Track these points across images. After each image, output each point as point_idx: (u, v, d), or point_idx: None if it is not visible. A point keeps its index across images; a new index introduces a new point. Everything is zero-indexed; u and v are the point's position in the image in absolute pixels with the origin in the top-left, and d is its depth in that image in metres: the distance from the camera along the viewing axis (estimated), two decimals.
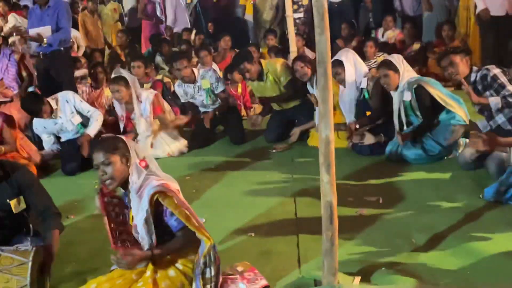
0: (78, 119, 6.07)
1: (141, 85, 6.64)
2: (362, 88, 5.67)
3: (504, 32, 7.48)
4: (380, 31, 9.43)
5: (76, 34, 9.50)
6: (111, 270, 3.12)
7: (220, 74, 7.30)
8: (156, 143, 6.18)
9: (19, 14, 9.38)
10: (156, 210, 2.95)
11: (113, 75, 6.29)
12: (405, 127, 5.21)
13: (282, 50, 8.45)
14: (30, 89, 7.05)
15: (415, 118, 5.17)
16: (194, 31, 10.56)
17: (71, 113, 6.04)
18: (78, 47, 9.58)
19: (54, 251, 3.38)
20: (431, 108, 5.07)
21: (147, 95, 6.18)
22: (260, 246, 3.77)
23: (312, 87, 6.09)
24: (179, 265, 3.00)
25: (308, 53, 8.38)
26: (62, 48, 6.77)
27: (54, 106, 5.95)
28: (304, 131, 6.25)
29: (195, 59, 8.25)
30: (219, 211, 4.48)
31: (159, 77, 8.08)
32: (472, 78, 4.59)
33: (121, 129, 6.34)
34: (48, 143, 6.27)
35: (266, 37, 9.50)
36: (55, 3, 6.72)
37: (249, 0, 10.82)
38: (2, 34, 8.14)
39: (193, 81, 6.51)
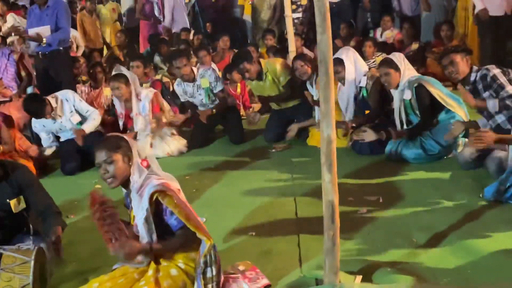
0: (77, 118, 6.07)
1: (140, 85, 6.64)
2: (361, 87, 5.68)
3: (502, 32, 7.49)
4: (379, 31, 9.45)
5: (75, 34, 9.50)
6: (113, 269, 3.12)
7: (219, 74, 7.31)
8: (156, 143, 6.19)
9: (17, 14, 9.36)
10: (156, 209, 2.96)
11: (113, 73, 6.31)
12: (404, 126, 5.22)
13: (281, 50, 8.46)
14: (29, 89, 7.04)
15: (414, 117, 5.18)
16: (192, 31, 10.55)
17: (70, 112, 6.05)
18: (77, 47, 9.57)
19: (61, 246, 3.39)
20: (429, 108, 5.09)
21: (147, 93, 6.20)
22: (261, 246, 3.77)
23: (312, 86, 6.11)
24: (181, 264, 3.01)
25: (307, 53, 8.37)
26: (61, 48, 6.76)
27: (54, 104, 5.95)
28: (302, 129, 6.26)
29: (194, 59, 8.24)
30: (219, 211, 4.48)
31: (158, 76, 8.09)
32: (472, 78, 4.60)
33: (121, 127, 6.35)
34: (47, 141, 6.25)
35: (264, 37, 9.49)
36: (54, 3, 6.71)
37: (247, 0, 10.81)
38: (1, 34, 8.14)
39: (192, 80, 6.52)
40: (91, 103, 6.86)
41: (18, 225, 3.62)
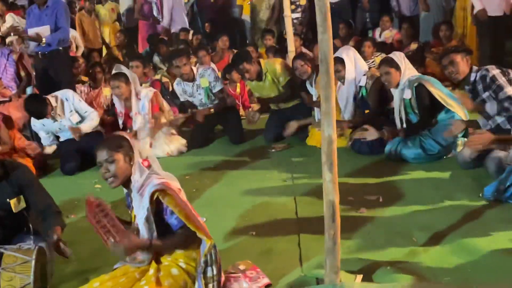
0: (76, 118, 6.07)
1: (140, 85, 6.63)
2: (360, 86, 5.69)
3: (501, 32, 7.51)
4: (378, 31, 9.47)
5: (74, 35, 9.48)
6: (114, 269, 3.13)
7: (219, 74, 7.31)
8: (155, 143, 6.20)
9: (17, 14, 9.35)
10: (157, 209, 2.96)
11: (113, 71, 6.31)
12: (404, 125, 5.23)
13: (280, 50, 8.46)
14: (29, 89, 7.04)
15: (414, 116, 5.19)
16: (191, 32, 10.55)
17: (69, 111, 6.05)
18: (77, 47, 9.56)
19: (65, 245, 3.39)
20: (428, 108, 5.10)
21: (146, 92, 6.22)
22: (261, 245, 3.77)
23: (312, 85, 6.12)
24: (182, 263, 3.01)
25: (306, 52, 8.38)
26: (60, 48, 6.77)
27: (53, 104, 5.95)
28: (301, 128, 6.25)
29: (193, 59, 8.25)
30: (219, 210, 4.48)
31: (157, 77, 8.10)
32: (472, 78, 4.61)
33: (120, 126, 6.36)
34: (47, 140, 6.25)
35: (264, 37, 9.50)
36: (54, 2, 6.72)
37: (246, 0, 10.82)
38: (0, 34, 8.12)
39: (192, 79, 6.52)
40: (90, 103, 6.87)
41: (18, 225, 3.60)
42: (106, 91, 7.26)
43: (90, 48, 10.17)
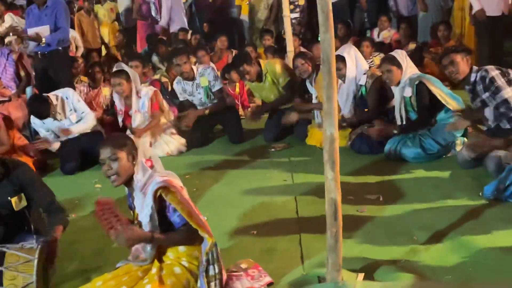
0: (75, 117, 6.07)
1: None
2: (360, 85, 5.71)
3: (500, 32, 7.54)
4: (376, 31, 9.48)
5: (74, 35, 9.48)
6: (116, 268, 3.13)
7: (218, 73, 7.31)
8: (155, 143, 6.20)
9: (15, 14, 9.36)
10: (160, 206, 2.97)
11: (114, 69, 6.32)
12: (404, 123, 5.26)
13: (279, 50, 8.47)
14: (28, 89, 7.03)
15: (414, 114, 5.20)
16: (190, 31, 10.56)
17: (69, 110, 6.05)
18: (76, 48, 9.56)
19: (57, 247, 3.40)
20: (428, 106, 5.11)
21: (147, 91, 6.22)
22: (263, 244, 3.79)
23: (311, 84, 6.13)
24: (184, 262, 3.02)
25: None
26: (60, 48, 6.77)
27: (54, 102, 5.95)
28: (301, 127, 6.25)
29: (192, 59, 8.26)
30: (220, 210, 4.49)
31: (156, 76, 8.10)
32: (472, 78, 4.63)
33: (120, 124, 6.37)
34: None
35: (262, 37, 9.51)
36: (53, 2, 6.70)
37: (245, 0, 10.82)
38: None
39: (192, 78, 6.53)
40: (89, 103, 6.88)
41: (19, 224, 3.61)
42: (105, 91, 7.27)
43: (89, 48, 10.16)
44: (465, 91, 4.91)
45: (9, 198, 3.49)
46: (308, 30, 10.50)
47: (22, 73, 7.29)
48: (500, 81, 4.47)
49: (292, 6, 9.80)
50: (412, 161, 5.10)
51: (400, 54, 5.30)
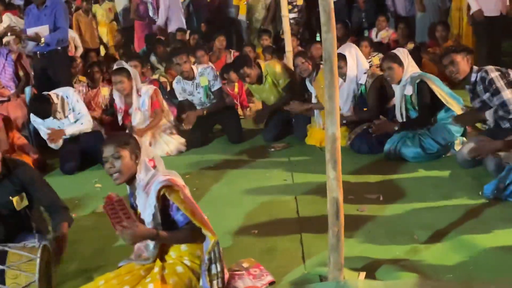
0: (73, 117, 6.06)
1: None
2: (360, 84, 5.72)
3: (498, 32, 7.55)
4: (374, 31, 9.50)
5: (73, 35, 9.46)
6: (119, 267, 3.14)
7: (217, 73, 7.31)
8: (155, 142, 6.20)
9: (13, 14, 9.33)
10: (163, 205, 2.98)
11: (115, 67, 6.32)
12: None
13: (277, 50, 8.48)
14: (27, 88, 7.02)
15: (414, 112, 5.22)
16: (188, 32, 10.55)
17: (68, 109, 6.04)
18: (75, 48, 9.54)
19: (66, 243, 3.41)
20: (428, 105, 5.12)
21: (147, 89, 6.24)
22: (264, 244, 3.79)
23: (311, 83, 6.14)
24: (187, 261, 3.03)
25: None
26: (59, 48, 6.77)
27: (55, 101, 5.94)
28: (301, 126, 6.26)
29: (192, 59, 8.26)
30: (220, 209, 4.49)
31: (155, 76, 8.10)
32: (473, 79, 4.64)
33: (120, 122, 6.37)
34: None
35: (260, 37, 9.52)
36: (52, 2, 6.70)
37: (242, 0, 10.83)
38: None
39: (192, 77, 6.53)
40: (88, 103, 6.87)
41: (21, 223, 3.61)
42: (104, 91, 7.26)
43: (88, 48, 10.14)
44: (465, 91, 4.92)
45: (10, 197, 3.49)
46: (306, 30, 10.51)
47: (21, 73, 7.29)
48: (499, 83, 4.48)
49: (290, 6, 9.80)
50: (411, 160, 5.11)
51: (402, 52, 5.32)
